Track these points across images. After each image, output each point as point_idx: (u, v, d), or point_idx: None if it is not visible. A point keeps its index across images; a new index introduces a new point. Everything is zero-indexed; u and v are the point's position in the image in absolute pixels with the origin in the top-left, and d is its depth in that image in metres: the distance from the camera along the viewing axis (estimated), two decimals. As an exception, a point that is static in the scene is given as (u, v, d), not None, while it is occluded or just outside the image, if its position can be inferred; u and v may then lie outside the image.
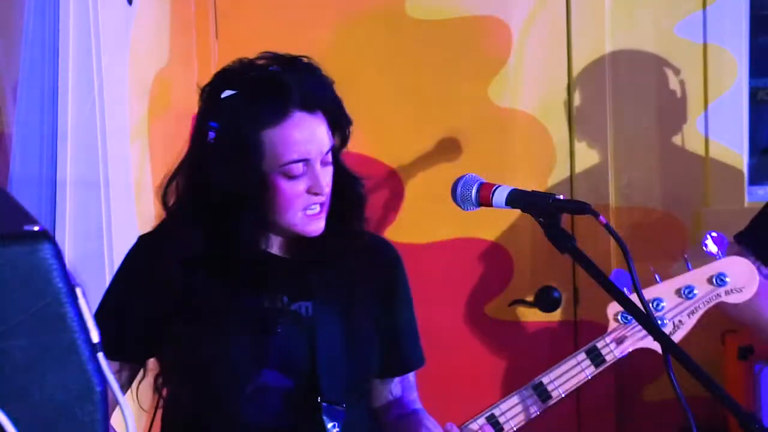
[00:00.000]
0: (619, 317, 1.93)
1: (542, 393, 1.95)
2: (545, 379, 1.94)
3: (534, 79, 3.12)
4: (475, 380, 3.17)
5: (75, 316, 0.90)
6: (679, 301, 1.98)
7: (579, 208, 1.75)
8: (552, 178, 3.13)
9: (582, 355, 1.95)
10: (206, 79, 3.12)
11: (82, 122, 2.36)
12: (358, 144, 3.13)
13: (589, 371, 1.95)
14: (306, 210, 1.79)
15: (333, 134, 1.83)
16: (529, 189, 1.88)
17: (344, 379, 1.85)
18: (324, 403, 1.81)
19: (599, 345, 1.96)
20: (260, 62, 1.82)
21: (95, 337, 0.92)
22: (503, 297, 3.16)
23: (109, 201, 2.41)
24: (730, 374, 2.94)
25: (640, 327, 1.84)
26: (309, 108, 1.78)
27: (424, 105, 3.14)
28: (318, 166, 1.78)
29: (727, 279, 1.95)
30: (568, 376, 1.95)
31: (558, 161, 3.13)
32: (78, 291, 0.91)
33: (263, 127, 1.75)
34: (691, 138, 3.12)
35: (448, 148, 3.13)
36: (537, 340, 3.19)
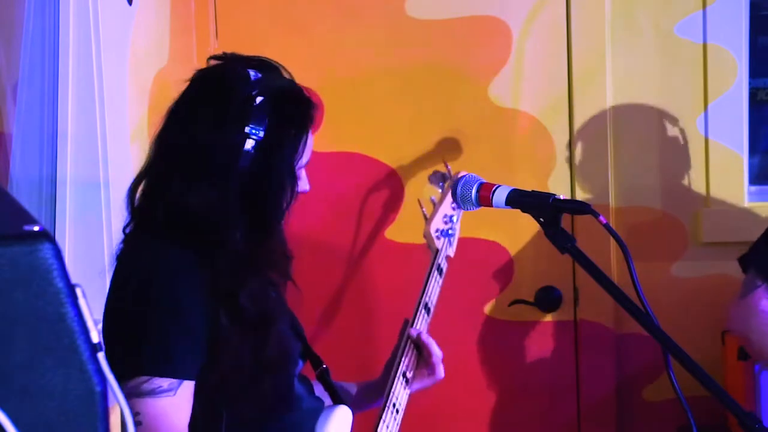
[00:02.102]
0: (437, 234, 2.23)
1: (428, 310, 2.19)
2: (426, 299, 2.18)
3: (534, 79, 3.12)
4: (474, 380, 3.17)
5: (75, 316, 0.90)
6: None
7: (579, 208, 1.76)
8: (552, 178, 3.13)
9: (435, 272, 2.20)
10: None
11: (82, 122, 2.36)
12: (358, 144, 3.15)
13: (441, 282, 2.22)
14: None
15: None
16: (529, 189, 1.88)
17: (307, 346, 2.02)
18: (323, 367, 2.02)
19: (439, 261, 2.22)
20: (248, 64, 1.88)
21: (95, 337, 0.92)
22: (503, 297, 3.16)
23: (109, 201, 2.41)
24: (730, 374, 2.94)
25: (449, 239, 2.23)
26: (313, 112, 1.90)
27: (424, 105, 3.14)
28: None
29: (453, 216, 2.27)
30: (434, 291, 2.20)
31: (558, 161, 3.13)
32: (78, 291, 0.91)
33: (304, 135, 1.84)
34: (691, 138, 3.12)
35: (448, 148, 3.13)
36: (537, 340, 3.19)
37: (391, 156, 3.15)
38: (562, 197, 1.79)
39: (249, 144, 1.78)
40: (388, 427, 1.97)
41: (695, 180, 3.13)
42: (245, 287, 1.77)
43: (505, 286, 3.16)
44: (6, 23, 2.26)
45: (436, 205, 2.26)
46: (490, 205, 1.91)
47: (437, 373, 2.08)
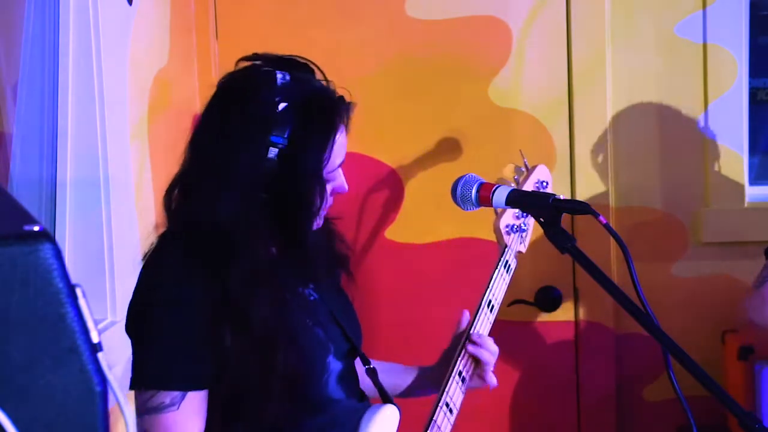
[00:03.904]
0: (507, 230, 2.19)
1: (492, 307, 2.12)
2: (490, 296, 2.12)
3: (534, 79, 3.12)
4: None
5: (75, 316, 0.90)
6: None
7: (579, 208, 1.76)
8: (552, 178, 3.13)
9: (502, 269, 2.17)
10: (206, 79, 3.13)
11: (82, 122, 2.36)
12: (358, 144, 3.15)
13: (508, 280, 2.18)
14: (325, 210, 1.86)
15: None
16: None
17: (360, 344, 1.98)
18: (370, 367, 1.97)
19: (508, 258, 2.19)
20: (275, 66, 1.83)
21: (95, 337, 0.91)
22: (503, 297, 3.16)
23: (109, 201, 2.41)
24: (730, 374, 2.94)
25: (520, 234, 2.21)
26: (343, 113, 1.85)
27: (424, 105, 3.14)
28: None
29: (545, 182, 2.28)
30: (499, 288, 2.15)
31: (558, 161, 3.13)
32: (78, 291, 0.91)
33: (330, 140, 1.80)
34: (691, 138, 3.12)
35: (448, 148, 3.13)
36: (537, 340, 3.19)
37: (391, 156, 3.15)
38: (562, 197, 1.79)
39: (272, 152, 1.75)
40: (439, 428, 1.93)
41: (695, 180, 3.13)
42: (256, 303, 1.72)
43: (505, 286, 3.15)
44: (6, 23, 2.26)
45: None
46: (490, 205, 1.91)
47: (488, 380, 2.04)
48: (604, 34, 3.10)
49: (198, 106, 3.06)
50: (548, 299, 3.16)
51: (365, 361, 1.99)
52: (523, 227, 2.21)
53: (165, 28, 2.90)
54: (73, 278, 0.91)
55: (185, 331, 1.70)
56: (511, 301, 3.15)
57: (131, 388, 1.73)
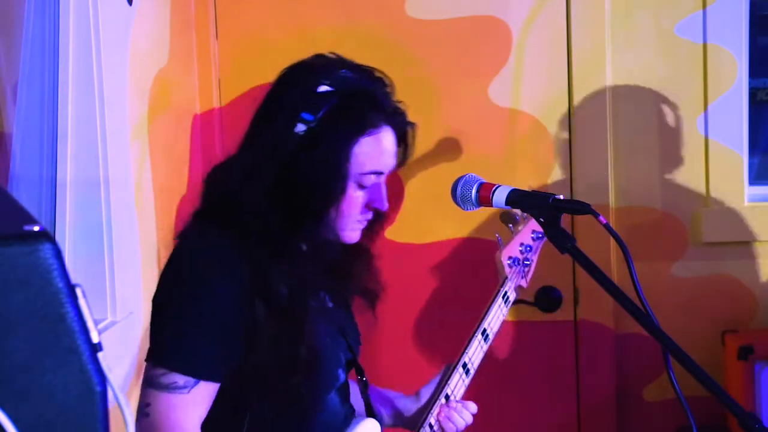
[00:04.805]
0: (509, 262, 2.17)
1: (486, 336, 2.12)
2: (485, 324, 2.11)
3: (534, 79, 3.12)
4: (474, 380, 3.17)
5: (75, 316, 0.90)
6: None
7: (579, 208, 1.76)
8: (552, 178, 3.13)
9: (500, 300, 2.15)
10: (206, 79, 3.12)
11: (82, 122, 2.37)
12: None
13: (505, 311, 2.16)
14: (358, 221, 1.81)
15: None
16: (529, 189, 1.88)
17: (359, 357, 1.97)
18: (363, 378, 1.96)
19: (507, 289, 2.16)
20: (347, 67, 1.83)
21: (95, 337, 0.91)
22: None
23: (109, 201, 2.41)
24: (730, 374, 2.94)
25: (521, 268, 2.17)
26: (394, 125, 1.82)
27: (424, 105, 3.14)
28: (384, 181, 1.82)
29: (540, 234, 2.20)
30: (496, 318, 2.14)
31: (558, 161, 3.13)
32: (78, 291, 0.91)
33: (359, 134, 1.76)
34: (691, 138, 3.12)
35: (448, 148, 3.13)
36: (537, 340, 3.19)
37: (391, 156, 3.15)
38: (562, 197, 1.79)
39: (300, 128, 1.72)
40: None
41: (695, 180, 3.13)
42: (280, 273, 1.71)
43: (505, 286, 3.15)
44: (6, 23, 2.26)
45: (513, 233, 2.19)
46: (490, 205, 1.91)
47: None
48: (604, 34, 3.10)
49: (198, 106, 3.07)
50: (548, 299, 3.15)
51: (360, 373, 1.98)
52: (527, 262, 2.18)
53: (165, 28, 2.90)
54: (73, 278, 0.91)
55: (214, 319, 1.69)
56: (511, 301, 3.15)
57: (147, 359, 1.71)
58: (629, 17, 3.11)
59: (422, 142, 3.20)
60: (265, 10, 3.14)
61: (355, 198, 1.77)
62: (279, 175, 1.73)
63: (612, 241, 1.66)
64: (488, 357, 3.21)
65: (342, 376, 1.90)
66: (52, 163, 2.34)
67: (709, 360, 2.89)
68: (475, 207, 1.96)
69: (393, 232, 3.17)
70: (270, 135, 1.75)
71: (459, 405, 2.04)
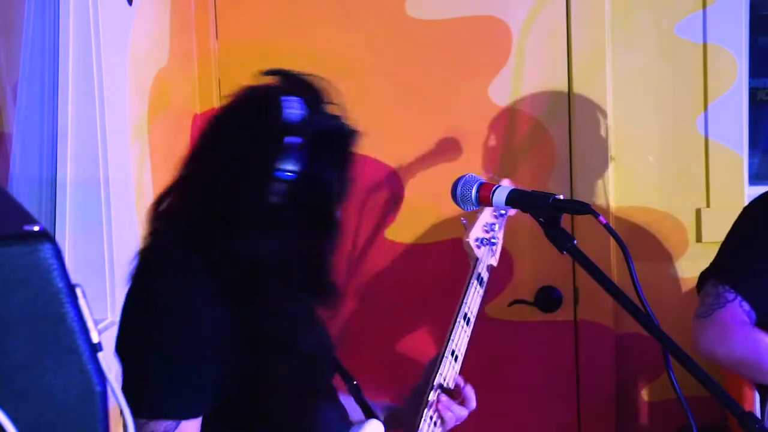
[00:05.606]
0: (477, 243, 2.21)
1: (467, 320, 2.14)
2: (465, 309, 2.14)
3: (534, 79, 3.12)
4: (474, 380, 3.16)
5: (75, 316, 0.90)
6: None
7: (579, 208, 1.76)
8: (552, 178, 3.13)
9: (475, 282, 2.16)
10: (206, 79, 3.12)
11: (82, 122, 2.37)
12: (358, 144, 3.14)
13: (481, 292, 2.18)
14: None
15: None
16: (529, 189, 1.88)
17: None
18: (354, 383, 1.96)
19: (480, 270, 2.18)
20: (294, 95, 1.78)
21: (95, 337, 0.92)
22: (503, 297, 3.16)
23: (109, 201, 2.42)
24: (730, 374, 2.94)
25: (489, 247, 2.21)
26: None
27: (424, 105, 3.14)
28: None
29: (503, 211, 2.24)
30: (474, 301, 2.16)
31: (558, 161, 3.13)
32: (78, 291, 0.91)
33: (337, 172, 1.79)
34: (691, 138, 3.12)
35: (448, 148, 3.13)
36: (537, 340, 3.18)
37: (391, 156, 3.15)
38: (562, 197, 1.79)
39: (279, 188, 1.70)
40: None
41: (695, 180, 3.13)
42: (261, 300, 1.70)
43: (505, 286, 3.15)
44: (6, 23, 2.26)
45: (476, 215, 2.22)
46: (490, 205, 1.91)
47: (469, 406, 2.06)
48: (604, 34, 3.10)
49: (198, 106, 3.06)
50: (548, 299, 3.15)
51: (348, 378, 1.97)
52: (494, 240, 2.21)
53: (165, 28, 2.89)
54: (73, 278, 0.91)
55: (185, 356, 1.65)
56: (511, 301, 3.15)
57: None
58: (629, 17, 3.11)
59: (422, 142, 3.22)
60: (265, 10, 3.14)
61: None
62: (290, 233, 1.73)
63: (612, 241, 1.66)
64: (488, 357, 3.21)
65: (330, 382, 1.91)
66: (52, 163, 2.34)
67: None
68: (475, 207, 1.96)
69: (393, 232, 3.17)
70: (244, 193, 1.72)
71: (458, 389, 2.03)
